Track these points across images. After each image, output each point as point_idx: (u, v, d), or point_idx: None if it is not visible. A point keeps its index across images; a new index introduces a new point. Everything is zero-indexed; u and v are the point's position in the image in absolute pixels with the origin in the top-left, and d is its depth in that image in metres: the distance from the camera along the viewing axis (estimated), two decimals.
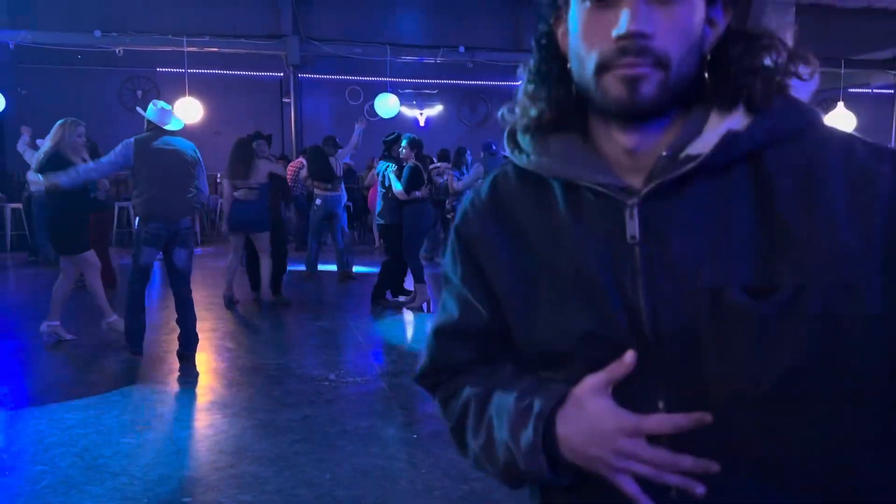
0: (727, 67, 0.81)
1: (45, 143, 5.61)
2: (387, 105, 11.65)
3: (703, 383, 0.78)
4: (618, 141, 0.83)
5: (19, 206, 10.85)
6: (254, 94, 15.05)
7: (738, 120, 0.80)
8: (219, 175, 10.20)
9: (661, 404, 0.79)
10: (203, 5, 14.16)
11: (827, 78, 14.54)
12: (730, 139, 0.78)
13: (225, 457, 3.58)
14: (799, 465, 0.78)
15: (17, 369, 5.26)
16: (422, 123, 15.52)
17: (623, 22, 0.75)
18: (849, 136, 0.82)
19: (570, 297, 0.84)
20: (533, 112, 0.89)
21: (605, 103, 0.80)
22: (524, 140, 0.90)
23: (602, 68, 0.78)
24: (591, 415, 0.79)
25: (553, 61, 0.88)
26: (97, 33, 10.66)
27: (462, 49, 11.55)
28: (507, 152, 0.93)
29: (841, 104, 12.86)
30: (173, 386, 4.80)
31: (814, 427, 0.77)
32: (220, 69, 14.39)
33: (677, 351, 0.79)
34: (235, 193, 7.00)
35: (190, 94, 11.00)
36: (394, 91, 11.97)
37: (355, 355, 5.51)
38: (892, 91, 14.54)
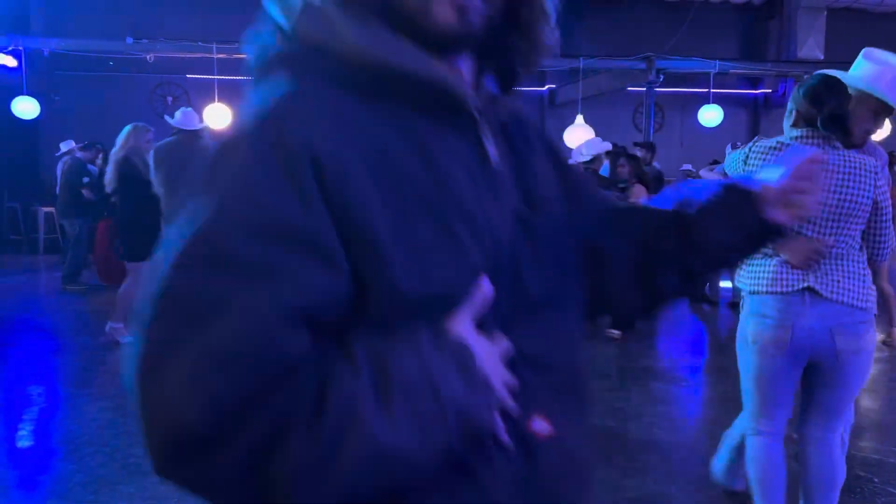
0: (514, 26, 0.82)
1: (115, 149, 5.70)
2: None
3: (522, 295, 0.80)
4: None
5: (52, 209, 11.05)
6: None
7: (490, 76, 0.86)
8: None
9: (496, 319, 0.75)
10: (233, 12, 14.32)
11: None
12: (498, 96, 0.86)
13: None
14: (576, 363, 0.87)
15: (50, 369, 5.35)
16: None
17: None
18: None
19: (441, 229, 0.72)
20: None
21: (435, 28, 0.73)
22: (355, 26, 0.74)
23: None
24: (482, 346, 0.73)
25: None
26: (129, 40, 10.82)
27: None
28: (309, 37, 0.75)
29: None
30: None
31: (577, 330, 0.90)
32: (249, 76, 14.54)
33: (512, 267, 0.78)
34: None
35: (219, 101, 11.12)
36: None
37: None
38: None
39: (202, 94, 13.06)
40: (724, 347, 6.03)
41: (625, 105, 15.69)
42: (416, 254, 0.69)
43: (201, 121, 5.65)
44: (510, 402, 0.73)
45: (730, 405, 4.37)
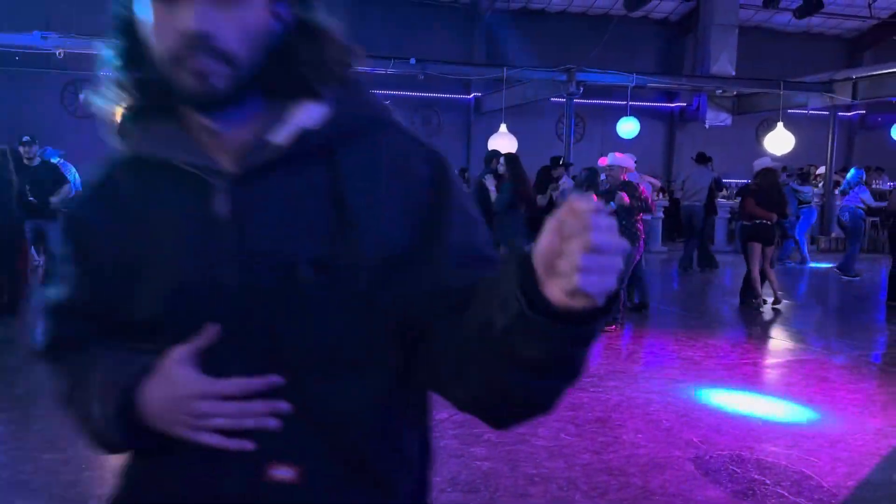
0: (291, 58, 0.87)
1: None
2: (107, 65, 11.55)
3: (278, 350, 0.86)
4: (203, 124, 0.88)
5: None
6: None
7: (311, 113, 0.88)
8: None
9: (237, 369, 0.86)
10: None
11: (767, 99, 15.01)
12: (302, 136, 0.87)
13: None
14: (349, 424, 0.89)
15: None
16: None
17: (187, 21, 0.80)
18: (410, 138, 0.94)
19: (161, 271, 0.88)
20: (127, 98, 0.91)
21: (181, 93, 0.84)
22: (125, 126, 0.93)
23: (174, 61, 0.82)
24: (172, 383, 0.86)
25: (138, 47, 0.87)
26: (36, 34, 10.34)
27: (413, 61, 11.54)
28: (110, 138, 0.95)
29: (780, 124, 13.24)
30: None
31: (369, 380, 0.90)
32: None
33: (257, 319, 0.86)
34: None
35: None
36: None
37: None
38: (827, 113, 15.04)
39: None
40: (633, 354, 6.19)
41: (548, 115, 15.98)
42: (128, 286, 0.90)
43: None
44: (215, 436, 0.85)
45: (637, 411, 4.48)
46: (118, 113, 0.92)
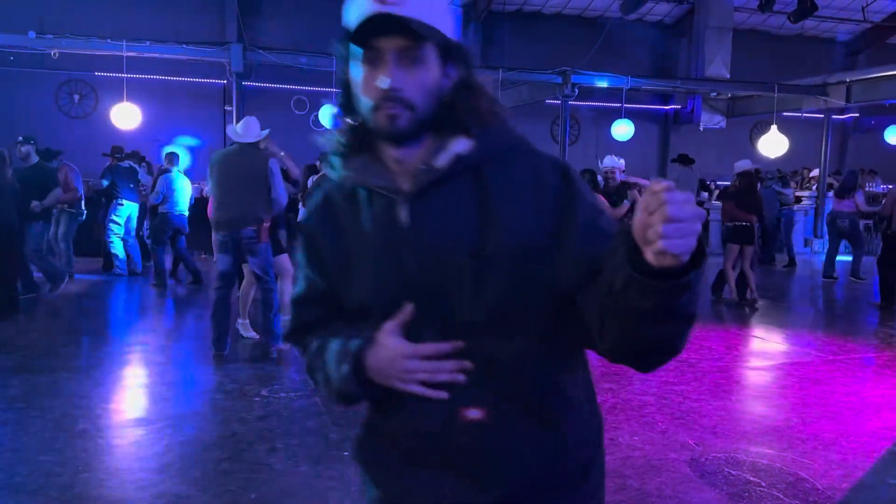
0: (455, 106, 1.18)
1: None
2: (332, 116, 11.59)
3: (453, 319, 1.17)
4: (391, 155, 1.20)
5: None
6: (195, 101, 14.78)
7: (464, 143, 1.18)
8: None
9: (429, 336, 1.18)
10: (144, 9, 13.87)
11: (761, 102, 15.06)
12: (456, 160, 1.17)
13: (148, 475, 3.47)
14: (521, 370, 1.18)
15: None
16: None
17: (384, 80, 1.12)
18: (540, 157, 1.22)
19: (367, 268, 1.22)
20: (342, 139, 1.25)
21: (378, 132, 1.17)
22: (334, 160, 1.26)
23: (374, 109, 1.15)
24: (386, 348, 1.18)
25: (351, 100, 1.21)
26: (31, 34, 10.29)
27: None
28: (325, 169, 1.29)
29: (774, 127, 13.29)
30: (96, 400, 4.64)
31: (526, 341, 1.18)
32: (161, 75, 14.10)
33: (436, 300, 1.17)
34: None
35: (128, 100, 10.72)
36: None
37: (290, 370, 5.42)
38: (821, 116, 15.10)
39: (111, 93, 12.57)
40: None
41: (543, 117, 16.00)
42: (346, 281, 1.26)
43: (260, 131, 5.59)
44: (421, 386, 1.17)
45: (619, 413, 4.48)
46: (332, 150, 1.26)
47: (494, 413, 1.17)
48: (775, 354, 6.47)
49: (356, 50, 1.15)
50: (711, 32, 15.44)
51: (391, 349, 1.17)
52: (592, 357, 1.27)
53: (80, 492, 3.25)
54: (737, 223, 8.28)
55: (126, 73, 10.60)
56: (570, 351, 1.25)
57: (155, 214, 8.97)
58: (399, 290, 1.18)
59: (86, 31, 11.26)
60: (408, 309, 1.17)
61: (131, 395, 4.91)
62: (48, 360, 5.56)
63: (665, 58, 17.40)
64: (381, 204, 1.21)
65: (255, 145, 5.59)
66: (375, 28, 1.11)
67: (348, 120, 1.23)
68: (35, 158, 7.95)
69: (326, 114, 11.54)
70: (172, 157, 9.28)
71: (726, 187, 9.42)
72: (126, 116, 10.76)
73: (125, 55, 10.56)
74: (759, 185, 9.62)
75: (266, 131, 5.67)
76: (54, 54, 10.76)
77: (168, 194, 8.77)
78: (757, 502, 3.30)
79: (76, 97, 13.99)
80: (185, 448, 3.85)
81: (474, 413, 1.17)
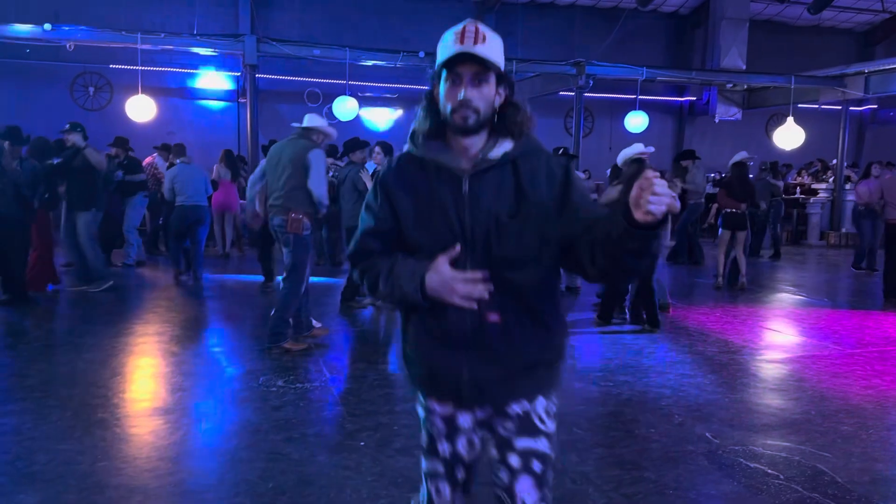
0: (504, 116, 1.80)
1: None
2: (345, 108, 11.55)
3: (490, 257, 1.76)
4: (460, 143, 1.79)
5: None
6: (209, 94, 14.82)
7: (508, 144, 1.80)
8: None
9: (469, 266, 1.75)
10: (159, 1, 13.90)
11: (777, 93, 14.90)
12: (503, 155, 1.79)
13: (165, 464, 3.49)
14: (528, 290, 1.80)
15: None
16: (382, 128, 15.46)
17: (461, 94, 1.72)
18: (552, 157, 1.83)
19: (432, 219, 1.79)
20: (424, 126, 1.82)
21: (453, 127, 1.76)
22: (417, 140, 1.84)
23: (452, 111, 1.74)
24: (441, 273, 1.74)
25: (433, 103, 1.81)
26: (47, 26, 10.34)
27: (422, 54, 11.49)
28: (408, 145, 1.86)
29: (790, 119, 13.15)
30: (114, 390, 4.66)
31: (534, 271, 1.80)
32: (176, 67, 14.13)
33: (480, 243, 1.76)
34: None
35: (143, 93, 10.76)
36: (353, 95, 11.88)
37: (305, 360, 5.42)
38: (839, 108, 14.93)
39: (126, 86, 12.62)
40: (643, 348, 6.17)
41: (557, 109, 15.92)
42: (414, 225, 1.81)
43: (321, 120, 5.57)
44: (462, 300, 1.74)
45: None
46: (415, 132, 1.83)
47: (507, 317, 1.79)
48: (792, 347, 6.41)
49: (443, 72, 1.74)
50: (727, 23, 15.30)
51: (444, 274, 1.73)
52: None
53: (98, 480, 3.27)
54: (727, 210, 8.96)
55: (141, 66, 10.63)
56: (557, 274, 1.90)
57: (171, 208, 9.01)
58: (454, 235, 1.75)
59: (101, 23, 11.31)
60: (457, 248, 1.74)
61: (149, 384, 4.93)
62: (66, 349, 5.60)
63: (680, 49, 17.26)
64: (448, 176, 1.78)
65: (308, 134, 5.48)
66: (460, 60, 1.71)
67: (429, 115, 1.81)
68: (82, 144, 7.90)
69: (339, 106, 11.53)
70: (179, 149, 9.26)
71: (721, 177, 9.89)
72: (141, 109, 10.79)
73: (140, 48, 10.59)
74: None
75: (324, 120, 5.57)
76: (70, 47, 10.81)
77: (176, 187, 8.78)
78: (775, 495, 3.27)
79: (91, 90, 14.04)
80: (203, 437, 3.87)
81: (494, 317, 1.78)
